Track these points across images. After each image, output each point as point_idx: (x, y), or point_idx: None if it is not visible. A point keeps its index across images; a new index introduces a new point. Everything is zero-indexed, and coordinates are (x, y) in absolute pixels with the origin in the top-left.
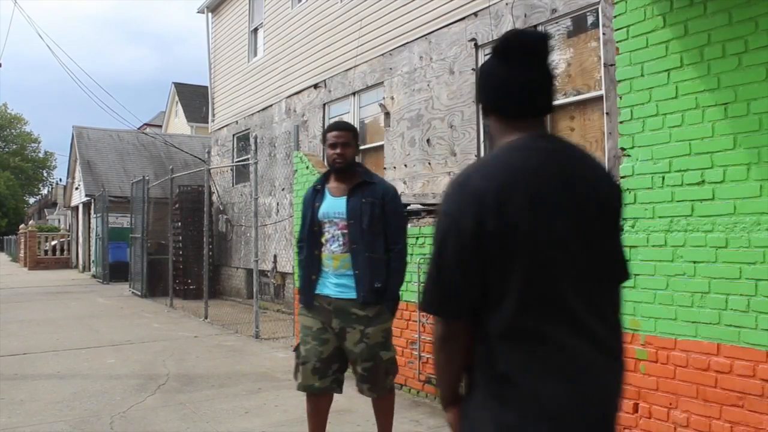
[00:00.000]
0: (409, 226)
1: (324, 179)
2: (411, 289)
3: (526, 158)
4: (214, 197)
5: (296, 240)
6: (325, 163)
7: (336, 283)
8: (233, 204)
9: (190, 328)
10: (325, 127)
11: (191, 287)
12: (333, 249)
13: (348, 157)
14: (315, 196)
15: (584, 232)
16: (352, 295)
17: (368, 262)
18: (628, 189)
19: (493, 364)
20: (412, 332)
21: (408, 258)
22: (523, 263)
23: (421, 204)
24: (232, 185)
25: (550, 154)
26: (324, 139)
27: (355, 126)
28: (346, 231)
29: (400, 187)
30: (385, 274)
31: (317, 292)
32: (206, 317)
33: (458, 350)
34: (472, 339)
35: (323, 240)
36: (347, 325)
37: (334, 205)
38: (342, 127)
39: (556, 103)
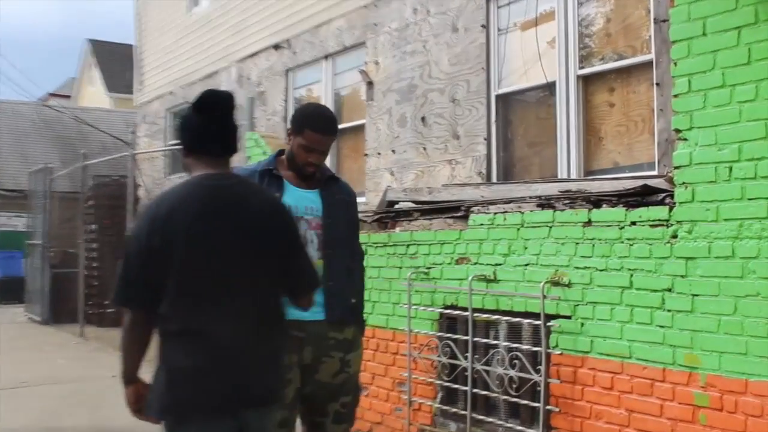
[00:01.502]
0: (397, 230)
1: (275, 163)
2: (399, 313)
3: (193, 191)
4: (141, 192)
5: None
6: (287, 155)
7: (318, 301)
8: None
9: (107, 365)
10: (306, 113)
11: (109, 311)
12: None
13: (321, 163)
14: (267, 181)
15: (234, 251)
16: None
17: (344, 272)
18: (683, 183)
19: (161, 347)
20: (401, 369)
21: (396, 271)
22: (175, 273)
23: (413, 202)
24: (166, 176)
25: (214, 190)
26: (297, 129)
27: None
28: (320, 232)
29: (387, 179)
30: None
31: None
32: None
33: (140, 335)
34: (151, 328)
35: None
36: (323, 353)
37: (304, 199)
38: (330, 130)
39: (592, 70)
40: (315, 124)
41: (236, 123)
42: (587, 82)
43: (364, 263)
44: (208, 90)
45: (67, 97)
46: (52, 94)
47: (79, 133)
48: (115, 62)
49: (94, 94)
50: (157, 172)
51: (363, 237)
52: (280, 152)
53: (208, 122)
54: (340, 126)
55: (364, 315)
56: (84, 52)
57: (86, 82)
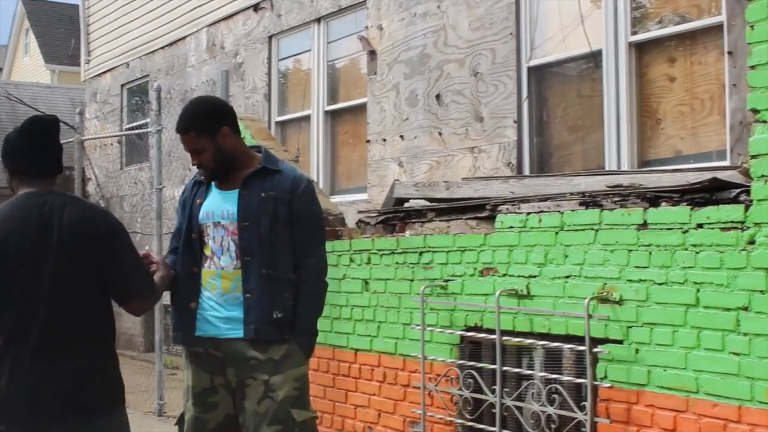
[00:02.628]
0: (408, 234)
1: None
2: (411, 336)
3: (10, 209)
4: (91, 186)
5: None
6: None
7: (226, 316)
8: (122, 198)
9: None
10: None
11: None
12: (223, 264)
13: (209, 164)
14: (197, 189)
15: (42, 265)
16: (279, 334)
17: (265, 281)
18: (762, 176)
19: None
20: (413, 405)
21: (406, 285)
22: None
23: (427, 199)
24: (121, 167)
25: (30, 208)
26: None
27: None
28: (236, 237)
29: (394, 172)
30: (290, 301)
31: (200, 333)
32: None
33: None
34: None
35: (207, 252)
36: (246, 375)
37: (221, 201)
38: (178, 128)
39: (647, 36)
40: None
41: (60, 144)
42: (641, 50)
43: (326, 273)
44: (34, 116)
45: None
46: None
47: (13, 113)
48: (56, 27)
49: (30, 66)
50: (110, 162)
51: (365, 242)
52: None
53: (33, 146)
54: (335, 106)
55: (314, 330)
56: (17, 14)
57: (20, 51)
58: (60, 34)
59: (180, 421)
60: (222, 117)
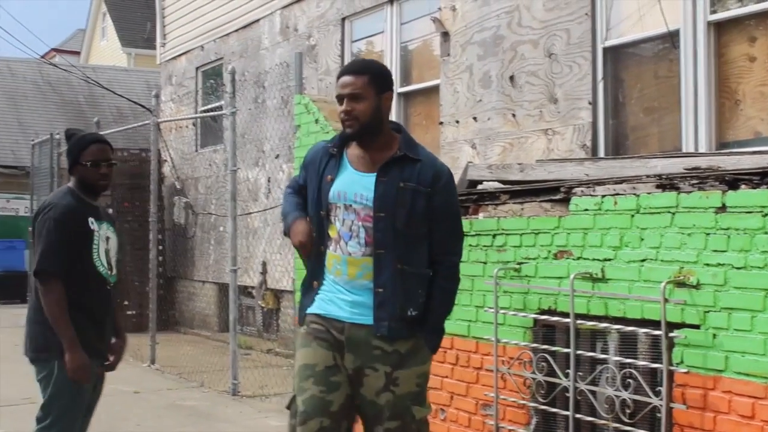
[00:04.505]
0: (481, 216)
1: (342, 140)
2: (484, 319)
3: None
4: (167, 168)
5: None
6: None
7: (352, 300)
8: (197, 180)
9: (127, 378)
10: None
11: (129, 313)
12: (350, 249)
13: (361, 117)
14: (327, 161)
15: None
16: (408, 332)
17: (400, 277)
18: None
19: None
20: (486, 389)
21: (480, 268)
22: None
23: (500, 182)
24: (196, 150)
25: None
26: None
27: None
28: (370, 225)
29: (467, 154)
30: (424, 297)
31: (322, 312)
32: (153, 361)
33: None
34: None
35: (332, 233)
36: (366, 364)
37: (356, 184)
38: (350, 70)
39: (727, 15)
40: (340, 72)
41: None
42: (720, 30)
43: (459, 272)
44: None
45: (76, 53)
46: (57, 50)
47: (90, 96)
48: (132, 10)
49: (107, 50)
50: (186, 144)
51: None
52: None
53: None
54: (406, 89)
55: (443, 328)
56: None
57: (97, 34)
58: (136, 18)
59: (291, 404)
60: (391, 83)
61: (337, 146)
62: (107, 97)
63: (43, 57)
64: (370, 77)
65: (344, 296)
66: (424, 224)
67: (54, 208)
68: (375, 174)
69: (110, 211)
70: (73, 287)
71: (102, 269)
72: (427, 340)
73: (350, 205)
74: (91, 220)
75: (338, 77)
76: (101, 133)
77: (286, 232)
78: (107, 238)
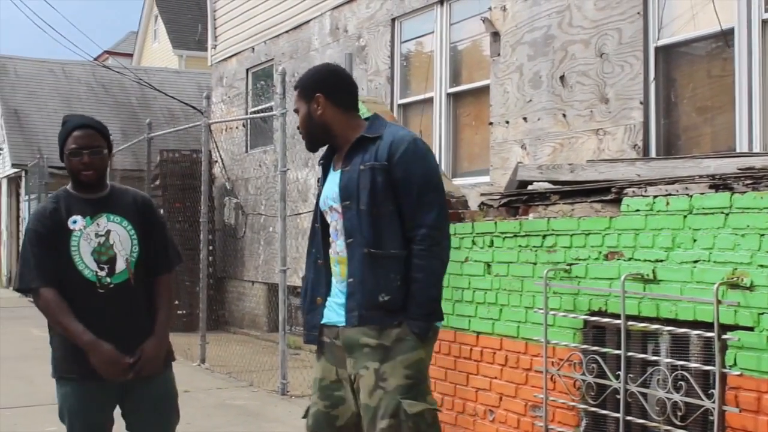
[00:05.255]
0: (531, 217)
1: (329, 150)
2: (533, 320)
3: None
4: (217, 169)
5: None
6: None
7: (341, 303)
8: (247, 180)
9: (177, 377)
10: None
11: (179, 312)
12: (338, 249)
13: (303, 128)
14: (322, 173)
15: None
16: (387, 320)
17: (369, 262)
18: None
19: None
20: (535, 390)
21: (529, 268)
22: None
23: (550, 182)
24: (246, 150)
25: None
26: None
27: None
28: (343, 219)
29: (517, 154)
30: (400, 281)
31: (325, 321)
32: (203, 360)
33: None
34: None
35: (330, 238)
36: (359, 365)
37: (330, 184)
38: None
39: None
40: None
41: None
42: None
43: (446, 243)
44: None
45: (128, 55)
46: (110, 52)
47: (142, 98)
48: (184, 13)
49: (159, 52)
50: (236, 145)
51: (488, 225)
52: None
53: None
54: (457, 88)
55: (430, 310)
56: (146, 1)
57: (149, 37)
58: (187, 21)
59: (307, 415)
60: (320, 83)
61: (325, 157)
62: (159, 98)
63: (96, 59)
64: (300, 90)
65: (338, 299)
66: (389, 201)
67: (30, 217)
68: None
69: (161, 212)
70: (65, 296)
71: (87, 271)
72: (411, 325)
73: (331, 206)
74: (73, 218)
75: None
76: (153, 134)
77: None
78: (105, 233)
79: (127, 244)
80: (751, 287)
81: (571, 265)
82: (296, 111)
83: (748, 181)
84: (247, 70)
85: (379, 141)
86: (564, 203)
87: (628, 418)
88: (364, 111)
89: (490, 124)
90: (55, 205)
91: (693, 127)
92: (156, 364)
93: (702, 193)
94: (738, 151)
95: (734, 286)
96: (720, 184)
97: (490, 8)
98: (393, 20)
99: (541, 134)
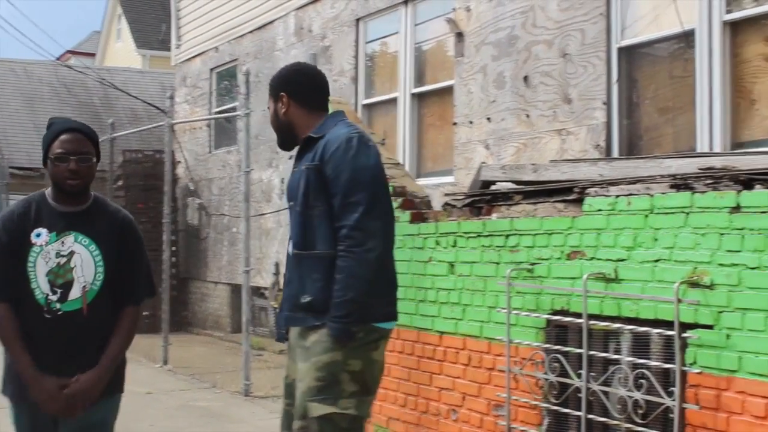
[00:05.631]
0: (494, 217)
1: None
2: (496, 320)
3: None
4: (181, 169)
5: None
6: None
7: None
8: (211, 181)
9: (139, 378)
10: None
11: (142, 313)
12: (289, 250)
13: (273, 125)
14: None
15: None
16: (309, 321)
17: (296, 264)
18: None
19: None
20: (498, 389)
21: (492, 268)
22: None
23: (513, 182)
24: (210, 151)
25: None
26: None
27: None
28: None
29: (481, 154)
30: (323, 281)
31: (285, 324)
32: (166, 362)
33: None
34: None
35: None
36: (297, 366)
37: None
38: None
39: (742, 15)
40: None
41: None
42: (736, 29)
43: (373, 244)
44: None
45: (91, 55)
46: (72, 52)
47: (105, 98)
48: (147, 12)
49: (122, 52)
50: (200, 146)
51: (451, 225)
52: None
53: None
54: (422, 88)
55: (350, 311)
56: (110, 0)
57: (113, 36)
58: (151, 20)
59: None
60: (285, 83)
61: (295, 156)
62: (122, 98)
63: (58, 59)
64: (270, 91)
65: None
66: (320, 201)
67: None
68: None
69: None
70: (17, 314)
71: (38, 292)
72: (328, 327)
73: (291, 205)
74: (38, 231)
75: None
76: (116, 134)
77: None
78: (68, 254)
79: (89, 271)
80: (711, 286)
81: (533, 264)
82: (269, 109)
83: (709, 181)
84: (211, 70)
85: (322, 140)
86: (527, 203)
87: (590, 416)
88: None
89: (454, 124)
90: (25, 210)
91: (655, 128)
92: (89, 399)
93: (663, 193)
94: (699, 151)
95: (694, 284)
96: (681, 184)
97: (454, 9)
98: (357, 20)
99: (505, 134)
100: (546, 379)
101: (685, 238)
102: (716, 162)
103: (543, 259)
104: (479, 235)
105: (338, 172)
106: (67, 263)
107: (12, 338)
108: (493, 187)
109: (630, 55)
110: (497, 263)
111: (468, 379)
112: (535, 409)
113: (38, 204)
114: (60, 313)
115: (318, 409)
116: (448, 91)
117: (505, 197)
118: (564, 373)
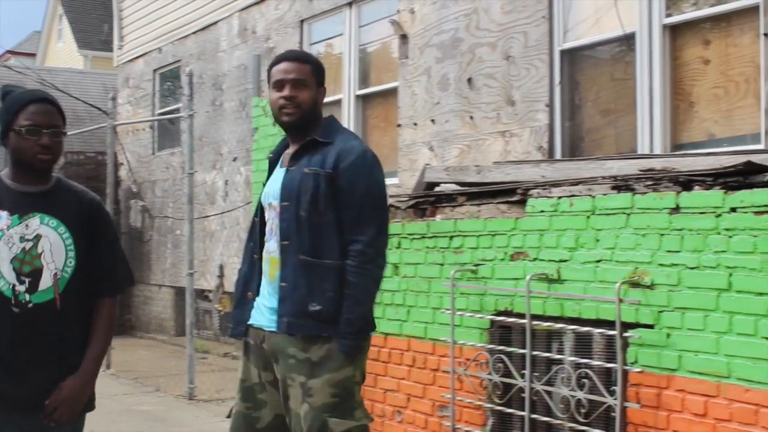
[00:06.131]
0: (438, 218)
1: (283, 145)
2: (441, 321)
3: None
4: (123, 171)
5: None
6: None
7: (270, 306)
8: (154, 183)
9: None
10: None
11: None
12: (270, 249)
13: (303, 105)
14: (270, 168)
15: None
16: (315, 330)
17: (302, 269)
18: None
19: None
20: (442, 390)
21: (437, 269)
22: None
23: (457, 184)
24: (153, 153)
25: None
26: (268, 79)
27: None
28: (278, 219)
29: (425, 156)
30: (333, 292)
31: (252, 322)
32: (108, 366)
33: None
34: None
35: (264, 236)
36: (287, 374)
37: (274, 180)
38: (292, 56)
39: (681, 18)
40: (277, 58)
41: None
42: (675, 33)
43: (381, 261)
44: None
45: (31, 55)
46: (12, 52)
47: None
48: (89, 12)
49: (64, 52)
50: (143, 147)
51: (396, 227)
52: None
53: None
54: (366, 90)
55: (361, 328)
56: (50, 0)
57: (53, 36)
58: (93, 20)
59: (231, 415)
60: (324, 76)
61: (275, 152)
62: (63, 99)
63: None
64: (312, 67)
65: (266, 302)
66: (330, 211)
67: None
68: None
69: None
70: None
71: (2, 284)
72: (339, 343)
73: (271, 203)
74: None
75: (275, 63)
76: None
77: None
78: (34, 239)
79: (59, 256)
80: (651, 286)
81: (477, 265)
82: (300, 83)
83: (649, 182)
84: (154, 71)
85: (330, 147)
86: (471, 204)
87: (534, 416)
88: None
89: (399, 126)
90: None
91: (596, 129)
92: (73, 409)
93: (604, 194)
94: (639, 152)
95: (635, 284)
96: (622, 185)
97: (398, 11)
98: (302, 22)
99: (449, 136)
100: (490, 380)
101: (626, 239)
102: (656, 163)
103: (487, 260)
104: (423, 237)
105: (353, 186)
106: (34, 248)
107: None
108: (437, 189)
109: (572, 57)
110: (441, 264)
111: (413, 380)
112: (479, 409)
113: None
114: (30, 305)
115: (339, 425)
116: (392, 92)
117: (449, 199)
118: (508, 374)
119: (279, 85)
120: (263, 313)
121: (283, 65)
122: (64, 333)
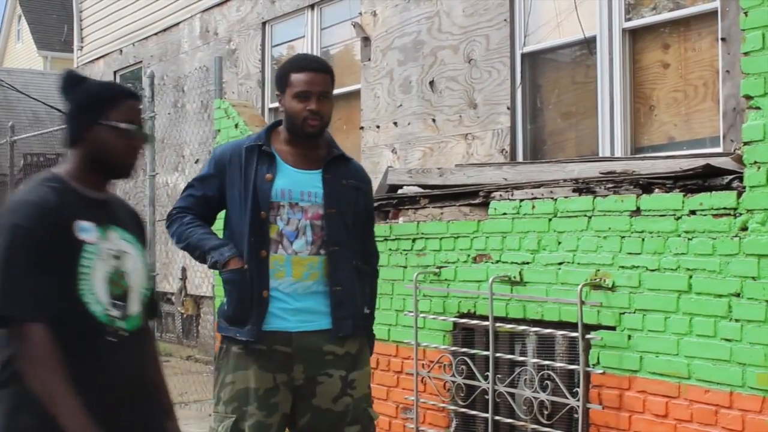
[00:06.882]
0: (401, 221)
1: (268, 137)
2: (404, 323)
3: None
4: None
5: (174, 211)
6: (284, 123)
7: (294, 308)
8: (115, 184)
9: None
10: (287, 61)
11: None
12: (296, 249)
13: (326, 118)
14: (256, 160)
15: None
16: (325, 324)
17: (356, 274)
18: (755, 162)
19: None
20: (406, 392)
21: (400, 272)
22: None
23: (420, 186)
24: None
25: None
26: (283, 81)
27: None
28: (319, 222)
29: (388, 159)
30: (367, 295)
31: (266, 327)
32: None
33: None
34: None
35: (273, 234)
36: (319, 371)
37: (301, 182)
38: (321, 66)
39: (641, 23)
40: (300, 64)
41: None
42: (635, 37)
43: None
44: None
45: None
46: None
47: (5, 100)
48: (48, 13)
49: (23, 53)
50: None
51: None
52: (276, 123)
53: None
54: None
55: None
56: (8, 0)
57: (12, 37)
58: (52, 21)
59: (233, 428)
60: None
61: (265, 143)
62: (23, 101)
63: None
64: (331, 77)
65: (286, 304)
66: (361, 222)
67: (14, 211)
68: (320, 171)
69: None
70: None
71: (96, 307)
72: (369, 339)
73: (296, 204)
74: (81, 224)
75: (296, 70)
76: (16, 137)
77: (215, 266)
78: (119, 256)
79: (140, 275)
80: (612, 288)
81: (440, 268)
82: (325, 96)
83: (610, 185)
84: (115, 72)
85: (350, 163)
86: (433, 207)
87: (497, 417)
88: (234, 114)
89: (361, 128)
90: (58, 199)
91: (558, 132)
92: None
93: (566, 197)
94: (600, 155)
95: (597, 286)
96: (583, 187)
97: (360, 13)
98: (264, 24)
99: (412, 139)
100: (453, 382)
101: (588, 241)
102: (617, 166)
103: (449, 263)
104: (386, 239)
105: (370, 203)
106: (121, 266)
107: (56, 376)
108: (399, 191)
109: (534, 60)
110: (404, 267)
111: (376, 383)
112: (443, 411)
113: (69, 189)
114: (126, 334)
115: (373, 414)
116: (354, 95)
117: (412, 201)
118: (471, 376)
119: (304, 97)
120: (281, 315)
121: (309, 76)
122: (146, 368)
